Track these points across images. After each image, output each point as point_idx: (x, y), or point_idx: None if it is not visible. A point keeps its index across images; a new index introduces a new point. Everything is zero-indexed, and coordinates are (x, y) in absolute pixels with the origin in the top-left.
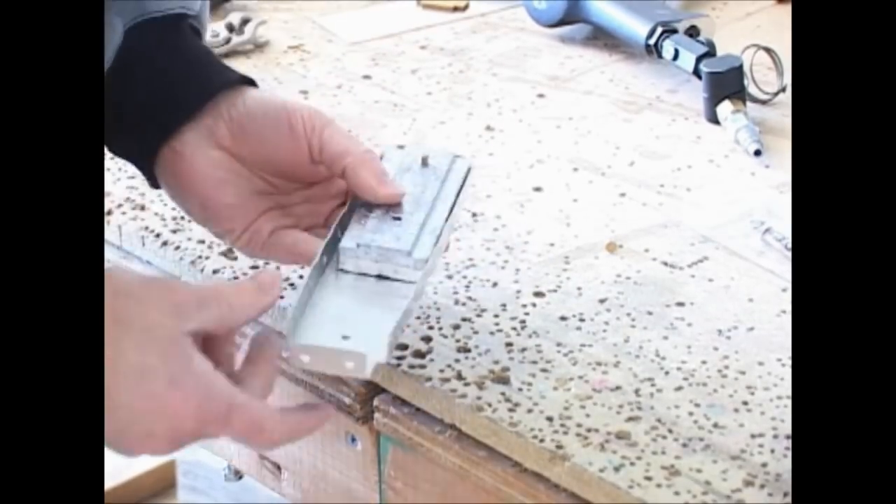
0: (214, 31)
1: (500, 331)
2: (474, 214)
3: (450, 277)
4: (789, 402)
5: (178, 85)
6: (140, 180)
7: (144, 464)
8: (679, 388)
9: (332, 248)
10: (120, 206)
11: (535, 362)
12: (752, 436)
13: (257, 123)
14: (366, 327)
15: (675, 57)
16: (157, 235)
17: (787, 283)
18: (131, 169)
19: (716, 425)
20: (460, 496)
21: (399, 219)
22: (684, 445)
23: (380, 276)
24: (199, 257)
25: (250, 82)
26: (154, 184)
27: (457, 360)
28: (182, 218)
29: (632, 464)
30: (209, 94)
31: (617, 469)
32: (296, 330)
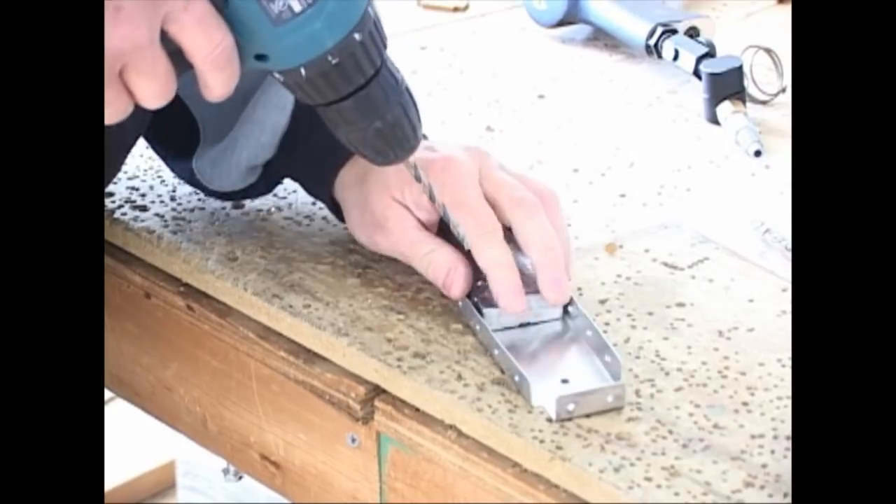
0: None
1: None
2: None
3: None
4: (789, 403)
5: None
6: (139, 181)
7: (144, 464)
8: (679, 389)
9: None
10: (121, 206)
11: None
12: (753, 436)
13: None
14: (572, 366)
15: (675, 57)
16: (159, 237)
17: (787, 283)
18: (131, 170)
19: (716, 426)
20: (460, 496)
21: None
22: (684, 446)
23: (522, 325)
24: (201, 259)
25: None
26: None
27: (457, 362)
28: (183, 219)
29: (631, 464)
30: None
31: (617, 470)
32: (536, 388)
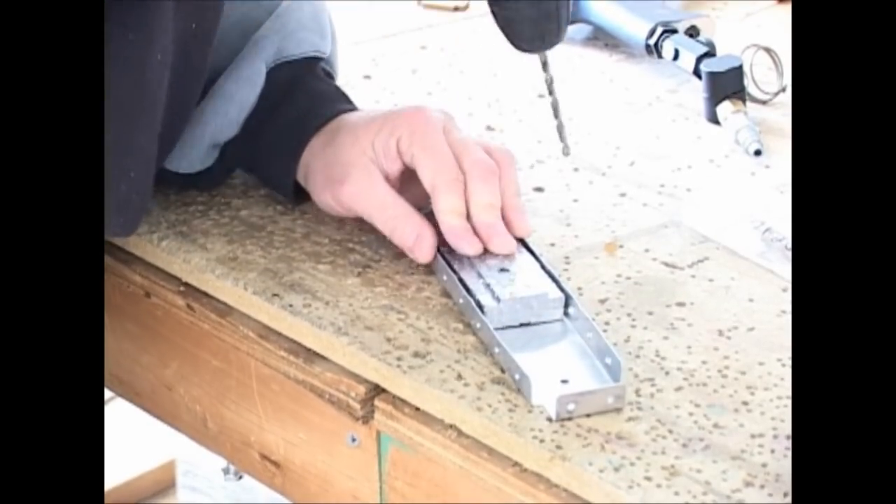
0: None
1: None
2: None
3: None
4: (789, 403)
5: (307, 112)
6: None
7: (144, 464)
8: (679, 389)
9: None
10: None
11: None
12: (752, 436)
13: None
14: (573, 366)
15: (676, 57)
16: (160, 237)
17: (787, 283)
18: None
19: (716, 425)
20: (460, 496)
21: (506, 270)
22: (684, 445)
23: (522, 324)
24: (201, 258)
25: None
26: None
27: (457, 361)
28: (183, 222)
29: (631, 464)
30: (332, 114)
31: (616, 469)
32: (536, 386)
